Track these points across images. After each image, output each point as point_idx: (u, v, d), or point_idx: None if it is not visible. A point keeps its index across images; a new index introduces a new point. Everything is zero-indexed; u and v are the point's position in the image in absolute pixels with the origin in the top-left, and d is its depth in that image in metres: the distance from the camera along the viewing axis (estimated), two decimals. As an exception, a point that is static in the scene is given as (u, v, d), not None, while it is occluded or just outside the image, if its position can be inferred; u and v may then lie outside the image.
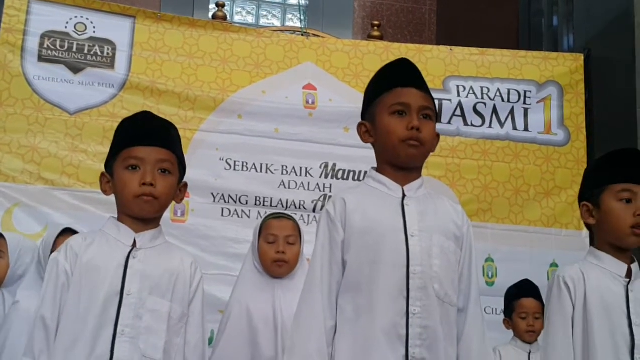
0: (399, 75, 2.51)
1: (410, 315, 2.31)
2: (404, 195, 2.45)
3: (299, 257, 3.63)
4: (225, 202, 4.93)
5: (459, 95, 5.39)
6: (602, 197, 2.75)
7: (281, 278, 3.60)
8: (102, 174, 2.62)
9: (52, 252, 3.46)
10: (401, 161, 2.46)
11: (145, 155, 2.53)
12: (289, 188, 5.02)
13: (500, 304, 4.47)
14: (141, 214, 2.56)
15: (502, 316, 4.39)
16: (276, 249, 3.58)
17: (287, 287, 3.56)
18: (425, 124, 2.44)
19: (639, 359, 2.58)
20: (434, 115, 2.50)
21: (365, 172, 2.59)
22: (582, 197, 2.87)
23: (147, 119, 2.69)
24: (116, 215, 2.62)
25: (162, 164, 2.55)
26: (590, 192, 2.81)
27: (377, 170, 2.53)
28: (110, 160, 2.60)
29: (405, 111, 2.43)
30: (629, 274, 2.72)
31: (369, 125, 2.51)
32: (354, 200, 2.45)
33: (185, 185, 2.68)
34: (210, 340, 3.49)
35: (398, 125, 2.42)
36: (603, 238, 2.79)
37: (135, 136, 2.58)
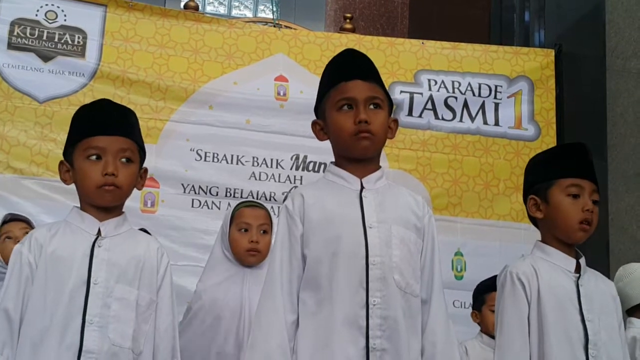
0: (343, 69, 2.50)
1: (370, 306, 2.31)
2: (362, 188, 2.45)
3: (270, 247, 3.62)
4: (195, 193, 4.91)
5: (430, 89, 5.39)
6: (550, 191, 2.74)
7: (251, 267, 3.59)
8: (61, 163, 2.60)
9: None
10: (355, 155, 2.46)
11: (106, 145, 2.52)
12: (259, 179, 5.02)
13: (469, 297, 4.48)
14: (103, 203, 2.55)
15: (471, 310, 4.39)
16: (249, 238, 3.56)
17: (256, 276, 3.55)
18: (374, 113, 2.42)
19: (593, 354, 2.59)
20: (385, 103, 2.48)
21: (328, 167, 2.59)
22: (528, 191, 2.86)
23: (107, 108, 2.67)
24: (79, 205, 2.61)
25: (124, 153, 2.54)
26: (538, 186, 2.80)
27: (336, 164, 2.53)
28: (69, 148, 2.59)
29: (352, 105, 2.42)
30: (577, 269, 2.73)
31: (322, 122, 2.51)
32: (312, 194, 2.45)
33: (146, 170, 2.67)
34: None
35: (346, 120, 2.41)
36: (550, 232, 2.79)
37: (95, 125, 2.56)
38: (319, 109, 2.54)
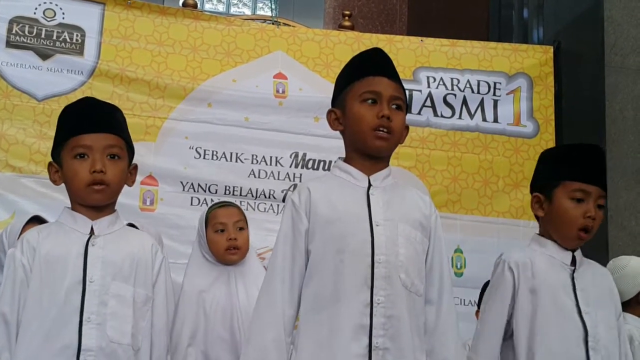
0: (371, 64, 2.51)
1: (374, 305, 2.30)
2: (369, 185, 2.46)
3: (249, 242, 3.64)
4: (194, 191, 4.90)
5: (429, 86, 5.39)
6: (555, 192, 2.72)
7: (234, 264, 3.60)
8: (50, 164, 2.60)
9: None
10: (369, 150, 2.46)
11: (92, 143, 2.52)
12: (258, 177, 5.01)
13: (468, 294, 4.48)
14: (93, 202, 2.55)
15: (470, 307, 4.39)
16: (227, 237, 3.58)
17: (240, 272, 3.58)
18: (395, 113, 2.44)
19: (593, 347, 2.58)
20: (405, 106, 2.50)
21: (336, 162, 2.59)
22: (534, 187, 2.84)
23: (91, 105, 2.67)
24: (70, 205, 2.61)
25: (111, 149, 2.54)
26: (544, 183, 2.78)
27: (345, 159, 2.54)
28: (56, 149, 2.59)
29: (376, 100, 2.43)
30: (573, 262, 2.72)
31: (339, 112, 2.51)
32: (319, 189, 2.45)
33: (135, 167, 2.67)
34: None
35: (368, 113, 2.42)
36: (548, 231, 2.79)
37: (80, 124, 2.56)
38: (337, 98, 2.55)
